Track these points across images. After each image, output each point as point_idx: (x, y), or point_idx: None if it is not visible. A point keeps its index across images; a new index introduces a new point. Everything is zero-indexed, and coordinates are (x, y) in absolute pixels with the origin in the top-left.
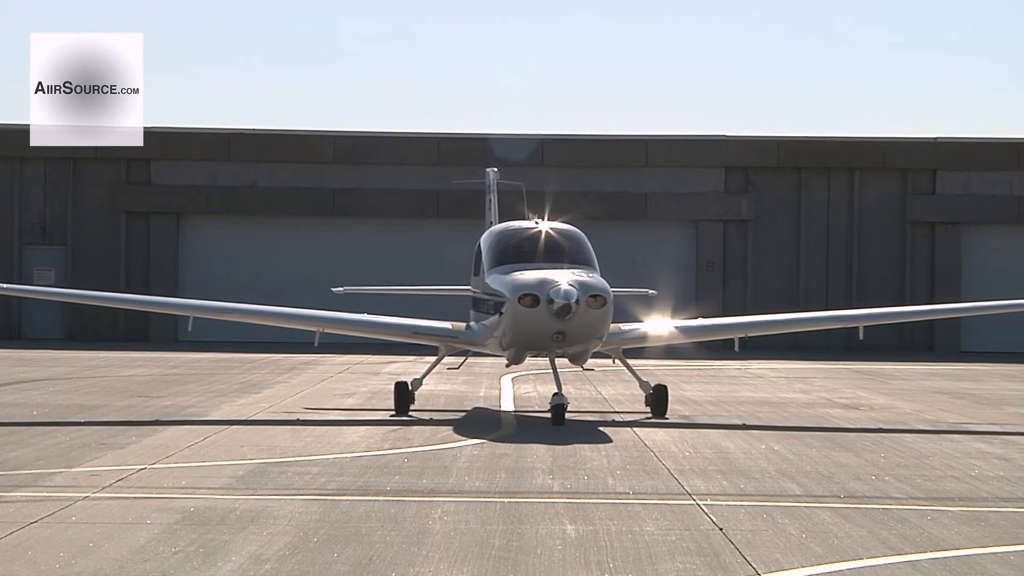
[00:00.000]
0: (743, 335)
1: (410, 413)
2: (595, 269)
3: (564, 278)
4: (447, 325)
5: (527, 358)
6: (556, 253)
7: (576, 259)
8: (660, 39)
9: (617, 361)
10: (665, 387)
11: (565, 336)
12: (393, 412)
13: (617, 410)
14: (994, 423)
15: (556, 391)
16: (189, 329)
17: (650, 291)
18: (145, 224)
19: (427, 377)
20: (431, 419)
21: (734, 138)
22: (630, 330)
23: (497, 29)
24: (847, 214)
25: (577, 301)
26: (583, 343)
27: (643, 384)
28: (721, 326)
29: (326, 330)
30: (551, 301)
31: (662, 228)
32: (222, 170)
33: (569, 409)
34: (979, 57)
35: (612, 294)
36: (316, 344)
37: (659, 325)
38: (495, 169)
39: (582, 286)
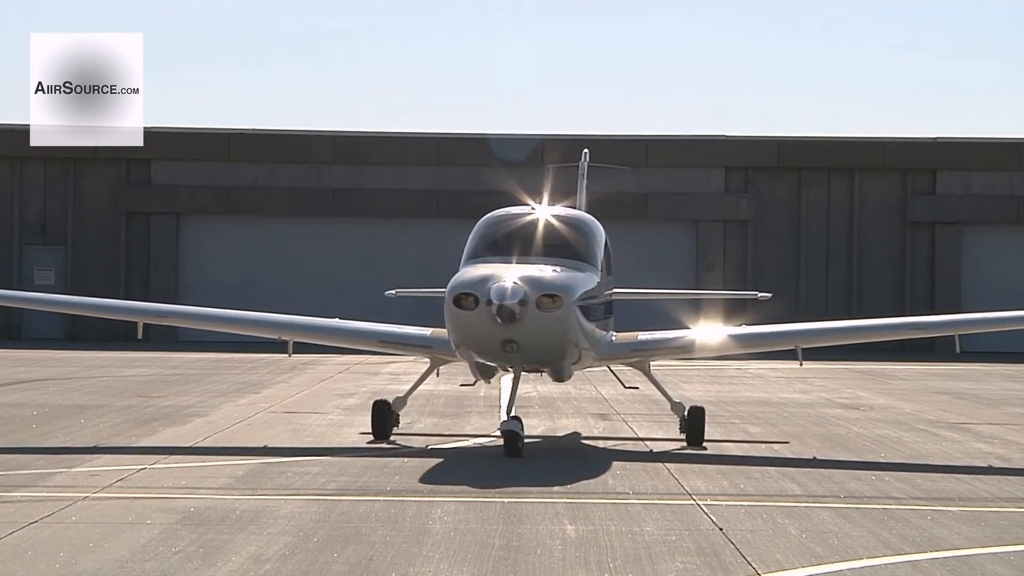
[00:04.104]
0: (791, 346)
1: (392, 438)
2: (591, 265)
3: (514, 274)
4: (424, 332)
5: (497, 372)
6: (540, 244)
7: (566, 252)
8: (660, 39)
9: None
10: (702, 410)
11: (517, 345)
12: (371, 438)
13: (617, 410)
14: (994, 423)
15: (509, 415)
16: (139, 336)
17: (760, 294)
18: (145, 224)
19: (424, 383)
20: (428, 447)
21: (734, 138)
22: (653, 340)
23: (497, 29)
24: (847, 214)
25: (522, 302)
26: (545, 354)
27: (675, 406)
28: (773, 335)
29: (284, 338)
30: (489, 302)
31: (662, 228)
32: (222, 170)
33: (571, 413)
34: (979, 57)
35: (580, 293)
36: (290, 355)
37: (687, 333)
38: (587, 151)
39: (532, 283)
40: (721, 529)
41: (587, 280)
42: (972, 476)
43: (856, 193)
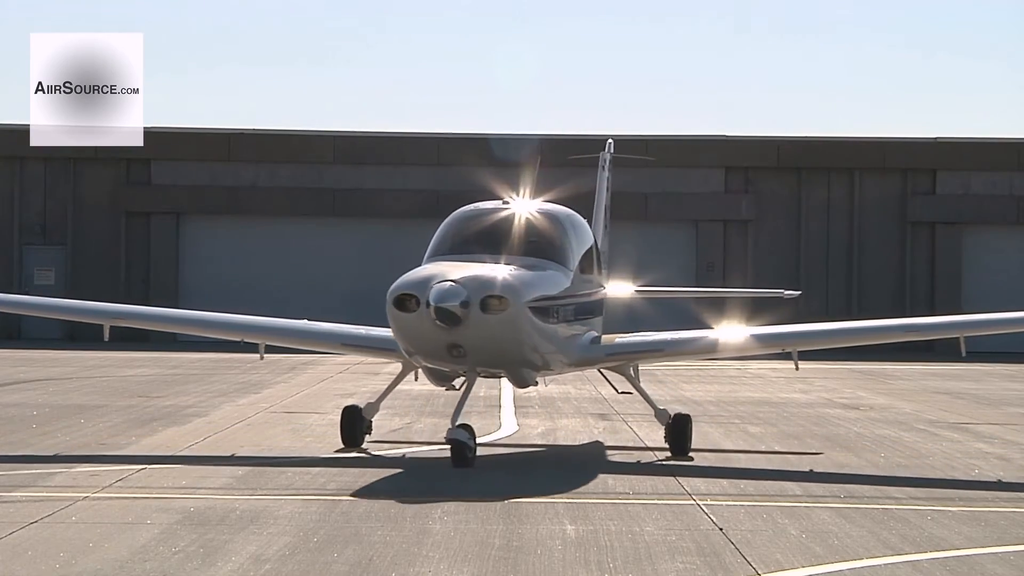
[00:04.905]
0: (781, 349)
1: (364, 446)
2: (558, 263)
3: (459, 274)
4: (392, 334)
5: (455, 378)
6: (501, 242)
7: (531, 250)
8: (660, 39)
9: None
10: (688, 417)
11: (463, 350)
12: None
13: (617, 411)
14: (994, 423)
15: (454, 423)
16: (105, 339)
17: (787, 292)
18: (145, 224)
19: (423, 384)
20: (404, 455)
21: (734, 138)
22: (631, 343)
23: (497, 29)
24: (847, 214)
25: (465, 303)
26: (495, 358)
27: (659, 413)
28: (763, 337)
29: (246, 340)
30: (428, 304)
31: (662, 228)
32: (222, 170)
33: (571, 414)
34: (979, 57)
35: (535, 294)
36: (262, 357)
37: (670, 336)
38: (611, 141)
39: (477, 283)
40: (721, 529)
41: (549, 279)
42: (972, 476)
43: (856, 193)
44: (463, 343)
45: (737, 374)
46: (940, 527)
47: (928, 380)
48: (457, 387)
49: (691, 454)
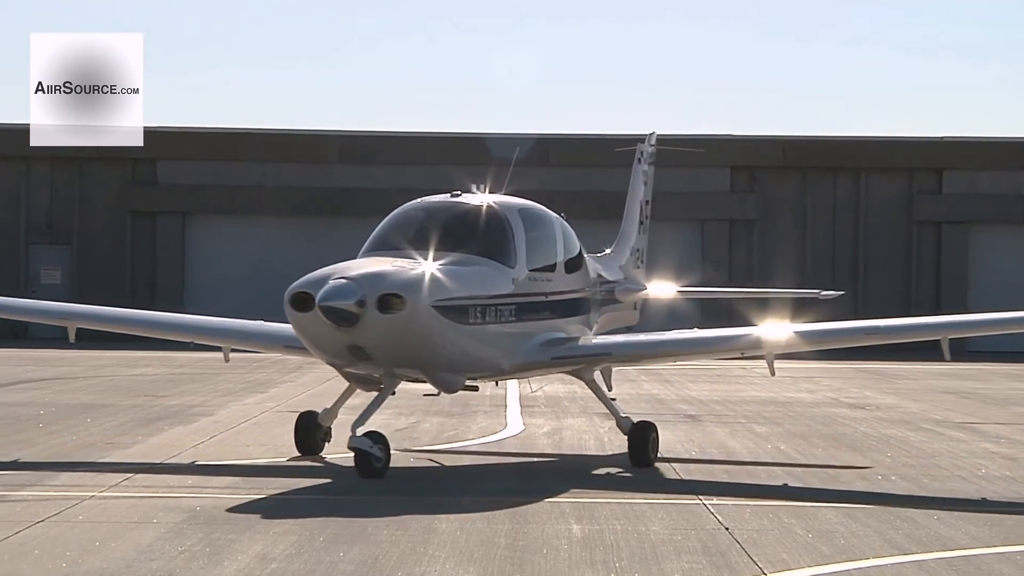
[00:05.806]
0: (740, 353)
1: (323, 455)
2: (496, 260)
3: (361, 270)
4: None
5: (378, 383)
6: (438, 237)
7: (469, 246)
8: (664, 39)
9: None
10: (650, 426)
11: (365, 352)
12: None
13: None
14: (1000, 422)
15: (355, 430)
16: (71, 340)
17: (823, 293)
18: (151, 224)
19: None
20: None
21: (740, 138)
22: (578, 346)
23: (497, 29)
24: (853, 214)
25: (361, 302)
26: (402, 361)
27: (621, 421)
28: (729, 339)
29: (197, 341)
30: (318, 303)
31: (667, 228)
32: (227, 170)
33: (577, 413)
34: (985, 56)
35: (446, 293)
36: (227, 359)
37: (631, 338)
38: (654, 132)
39: (372, 280)
40: (727, 529)
41: (475, 277)
42: (979, 476)
43: (862, 193)
44: (363, 345)
45: (743, 373)
46: (946, 527)
47: (934, 380)
48: (437, 393)
49: (656, 464)
